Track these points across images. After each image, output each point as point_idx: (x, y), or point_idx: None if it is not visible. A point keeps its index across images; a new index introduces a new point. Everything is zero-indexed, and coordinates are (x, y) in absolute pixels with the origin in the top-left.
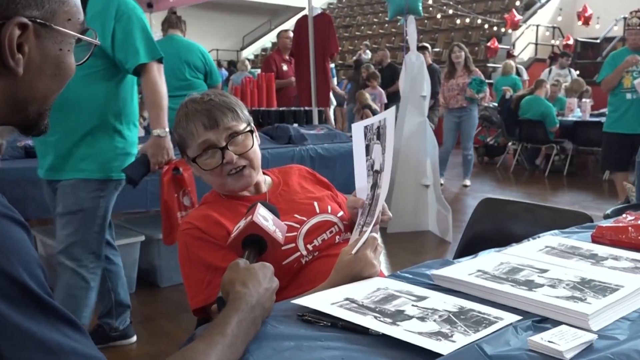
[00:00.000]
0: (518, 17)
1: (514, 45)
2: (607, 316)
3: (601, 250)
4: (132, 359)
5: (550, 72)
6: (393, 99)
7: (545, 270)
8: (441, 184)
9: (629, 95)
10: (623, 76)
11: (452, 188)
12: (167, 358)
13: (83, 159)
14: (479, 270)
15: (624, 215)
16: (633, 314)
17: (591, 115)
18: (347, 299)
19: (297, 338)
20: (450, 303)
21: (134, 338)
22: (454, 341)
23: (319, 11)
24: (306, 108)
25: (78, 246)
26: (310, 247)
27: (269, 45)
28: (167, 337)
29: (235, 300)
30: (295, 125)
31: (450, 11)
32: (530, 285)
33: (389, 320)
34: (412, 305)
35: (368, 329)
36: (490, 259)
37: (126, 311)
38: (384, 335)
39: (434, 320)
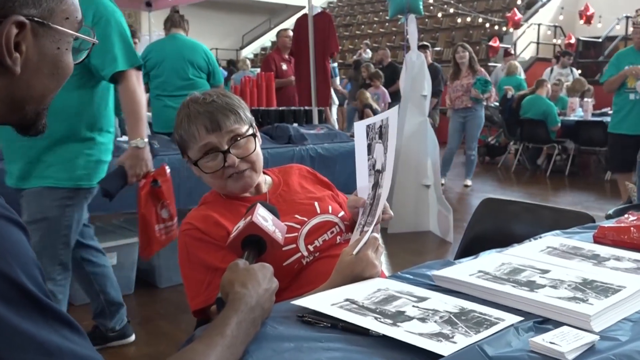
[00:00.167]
0: (519, 16)
1: (515, 44)
2: (609, 317)
3: (603, 250)
4: None
5: (552, 71)
6: (394, 98)
7: (546, 271)
8: (442, 184)
9: (632, 96)
10: (627, 75)
11: (453, 188)
12: (166, 359)
13: (51, 166)
14: (480, 271)
15: (626, 215)
16: (635, 314)
17: (593, 114)
18: (347, 300)
19: (297, 339)
20: (451, 304)
21: (132, 337)
22: (454, 342)
23: (319, 10)
24: (306, 108)
25: (44, 257)
26: (311, 247)
27: (268, 44)
28: (166, 338)
29: (234, 301)
30: (295, 124)
31: (451, 10)
32: (531, 286)
33: (389, 321)
34: (413, 306)
35: (368, 330)
36: (491, 260)
37: (120, 310)
38: (384, 336)
39: (435, 321)
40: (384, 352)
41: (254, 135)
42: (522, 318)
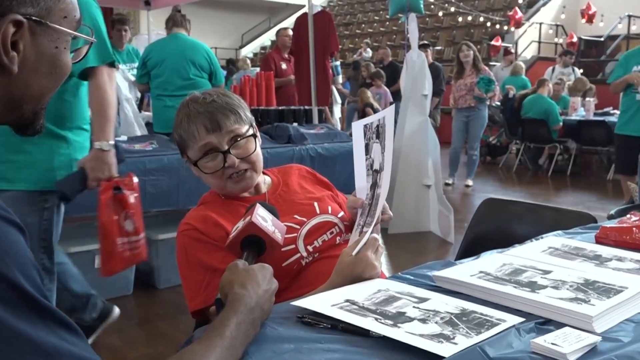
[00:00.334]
0: (520, 14)
1: (516, 43)
2: (611, 318)
3: (605, 251)
4: None
5: (553, 70)
6: (394, 98)
7: (548, 272)
8: (453, 184)
9: (638, 96)
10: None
11: (454, 188)
12: None
13: (24, 168)
14: (481, 272)
15: (628, 215)
16: (637, 315)
17: (595, 114)
18: (347, 301)
19: (297, 340)
20: (452, 305)
21: (116, 310)
22: (455, 343)
23: (319, 8)
24: (306, 107)
25: None
26: (310, 248)
27: (268, 43)
28: (165, 339)
29: (233, 301)
30: (295, 124)
31: (452, 9)
32: (533, 286)
33: (389, 322)
34: (414, 307)
35: (369, 331)
36: (492, 260)
37: (90, 299)
38: (384, 337)
39: (436, 322)
40: (385, 353)
41: (254, 135)
42: (523, 319)
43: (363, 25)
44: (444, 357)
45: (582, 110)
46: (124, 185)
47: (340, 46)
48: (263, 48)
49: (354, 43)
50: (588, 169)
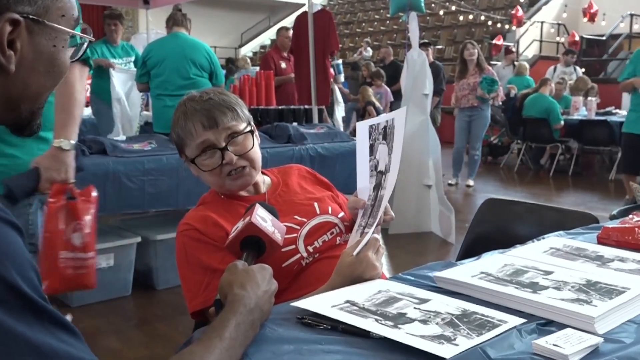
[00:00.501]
0: (521, 13)
1: (518, 42)
2: (613, 319)
3: (607, 251)
4: None
5: (555, 70)
6: (396, 97)
7: (550, 272)
8: (456, 184)
9: None
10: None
11: (454, 188)
12: None
13: (7, 172)
14: (482, 272)
15: (630, 216)
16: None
17: (597, 113)
18: (347, 302)
19: (297, 341)
20: (453, 306)
21: (68, 316)
22: (456, 345)
23: (319, 7)
24: (306, 106)
25: None
26: (310, 248)
27: (267, 42)
28: (164, 341)
29: (233, 302)
30: (295, 124)
31: (453, 7)
32: (534, 287)
33: (390, 323)
34: (414, 308)
35: (369, 332)
36: (493, 261)
37: None
38: (385, 338)
39: (437, 323)
40: (385, 355)
41: (251, 132)
42: (525, 320)
43: (363, 24)
44: (445, 359)
45: (584, 109)
46: (81, 195)
47: (340, 45)
48: (263, 47)
49: (354, 42)
50: (590, 169)
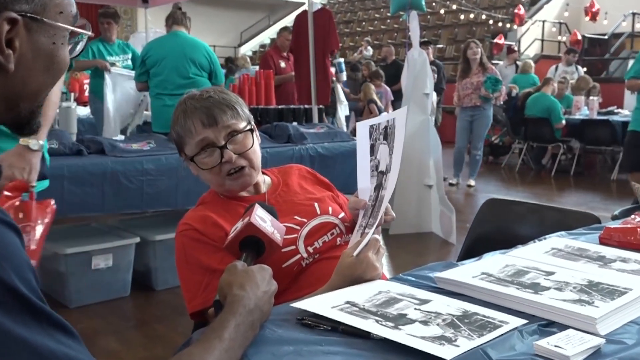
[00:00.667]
0: (523, 12)
1: (519, 41)
2: (615, 320)
3: (609, 252)
4: None
5: (556, 69)
6: (398, 97)
7: (551, 273)
8: (458, 184)
9: None
10: None
11: (455, 188)
12: None
13: None
14: (483, 273)
15: (632, 216)
16: None
17: (599, 113)
18: (347, 303)
19: (297, 342)
20: (454, 306)
21: None
22: (457, 346)
23: (319, 6)
24: (306, 106)
25: None
26: (310, 249)
27: (267, 41)
28: (163, 342)
29: (232, 303)
30: (295, 123)
31: (454, 6)
32: (536, 288)
33: (390, 324)
34: (415, 308)
35: (369, 333)
36: (495, 261)
37: None
38: (385, 339)
39: (437, 324)
40: (385, 356)
41: (251, 130)
42: (526, 321)
43: (364, 23)
44: None
45: (585, 109)
46: (39, 204)
47: (340, 44)
48: (262, 46)
49: (355, 41)
50: (592, 169)
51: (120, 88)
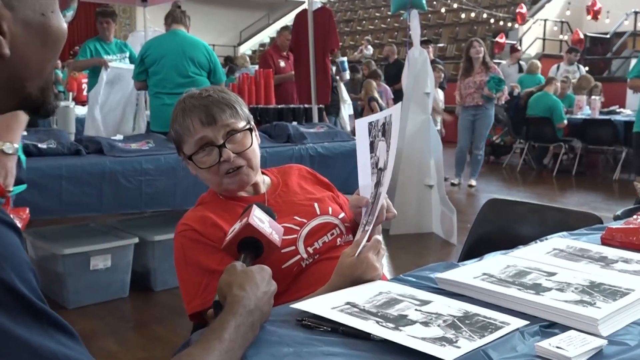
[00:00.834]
0: (525, 10)
1: (520, 40)
2: (617, 321)
3: (611, 252)
4: None
5: (558, 68)
6: (399, 96)
7: (553, 274)
8: (459, 184)
9: None
10: None
11: (457, 188)
12: None
13: None
14: (484, 274)
15: (634, 216)
16: None
17: (601, 112)
18: (348, 303)
19: (297, 343)
20: (455, 307)
21: None
22: (458, 347)
23: (319, 5)
24: (306, 105)
25: None
26: (310, 250)
27: (267, 40)
28: (161, 343)
29: (232, 304)
30: (294, 123)
31: (455, 5)
32: (537, 289)
33: (391, 325)
34: (416, 309)
35: (370, 334)
36: (496, 262)
37: None
38: (386, 340)
39: (438, 325)
40: (386, 357)
41: (250, 130)
42: (527, 322)
43: (364, 22)
44: None
45: (587, 108)
46: (13, 211)
47: (340, 43)
48: (262, 45)
49: (355, 40)
50: (594, 169)
51: (119, 86)
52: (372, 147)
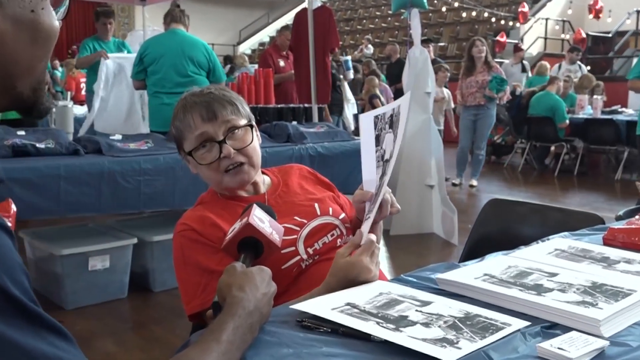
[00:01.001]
0: (527, 9)
1: (522, 39)
2: (619, 322)
3: (613, 253)
4: None
5: (560, 67)
6: (400, 96)
7: (554, 274)
8: (460, 184)
9: None
10: None
11: (458, 188)
12: None
13: None
14: (485, 274)
15: (636, 216)
16: None
17: (603, 112)
18: (348, 304)
19: (296, 345)
20: (456, 308)
21: None
22: (459, 348)
23: (319, 4)
24: (305, 105)
25: None
26: (310, 250)
27: (266, 39)
28: (160, 344)
29: (231, 305)
30: (294, 123)
31: (456, 4)
32: (539, 289)
33: (391, 326)
34: (416, 310)
35: (370, 335)
36: (497, 263)
37: None
38: (386, 341)
39: (439, 326)
40: (386, 358)
41: (251, 126)
42: (529, 323)
43: (364, 21)
44: None
45: (589, 108)
46: (1, 210)
47: (340, 43)
48: (261, 44)
49: (355, 39)
50: (595, 169)
51: (123, 75)
52: (378, 140)
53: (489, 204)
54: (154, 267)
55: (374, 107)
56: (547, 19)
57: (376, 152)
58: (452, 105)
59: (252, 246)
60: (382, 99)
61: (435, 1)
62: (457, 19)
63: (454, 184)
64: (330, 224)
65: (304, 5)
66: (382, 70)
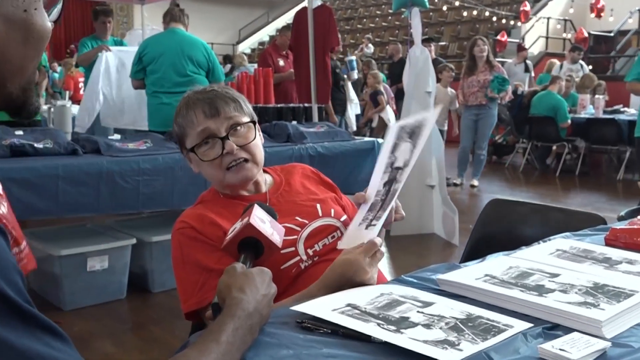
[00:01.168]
0: (529, 8)
1: (523, 38)
2: (621, 323)
3: (615, 253)
4: None
5: (561, 67)
6: (402, 95)
7: (556, 275)
8: (462, 184)
9: None
10: None
11: (459, 188)
12: None
13: None
14: (487, 275)
15: (639, 217)
16: None
17: (605, 112)
18: (348, 305)
19: (296, 346)
20: (458, 309)
21: None
22: (460, 350)
23: (319, 3)
24: (305, 105)
25: None
26: (310, 251)
27: (266, 38)
28: (159, 345)
29: (231, 306)
30: (294, 122)
31: (457, 3)
32: (540, 290)
33: (392, 327)
34: (417, 311)
35: (370, 336)
36: (498, 263)
37: None
38: (387, 343)
39: (440, 328)
40: None
41: (253, 122)
42: (530, 324)
43: (365, 20)
44: None
45: (591, 108)
46: None
47: (341, 42)
48: (261, 44)
49: (356, 39)
50: (597, 169)
51: (124, 70)
52: (394, 148)
53: (490, 204)
54: (153, 267)
55: (377, 104)
56: (548, 18)
57: (388, 158)
58: (457, 106)
59: (253, 246)
60: (386, 96)
61: (436, 0)
62: (458, 18)
63: (455, 184)
64: (331, 225)
65: (304, 4)
66: (382, 70)
